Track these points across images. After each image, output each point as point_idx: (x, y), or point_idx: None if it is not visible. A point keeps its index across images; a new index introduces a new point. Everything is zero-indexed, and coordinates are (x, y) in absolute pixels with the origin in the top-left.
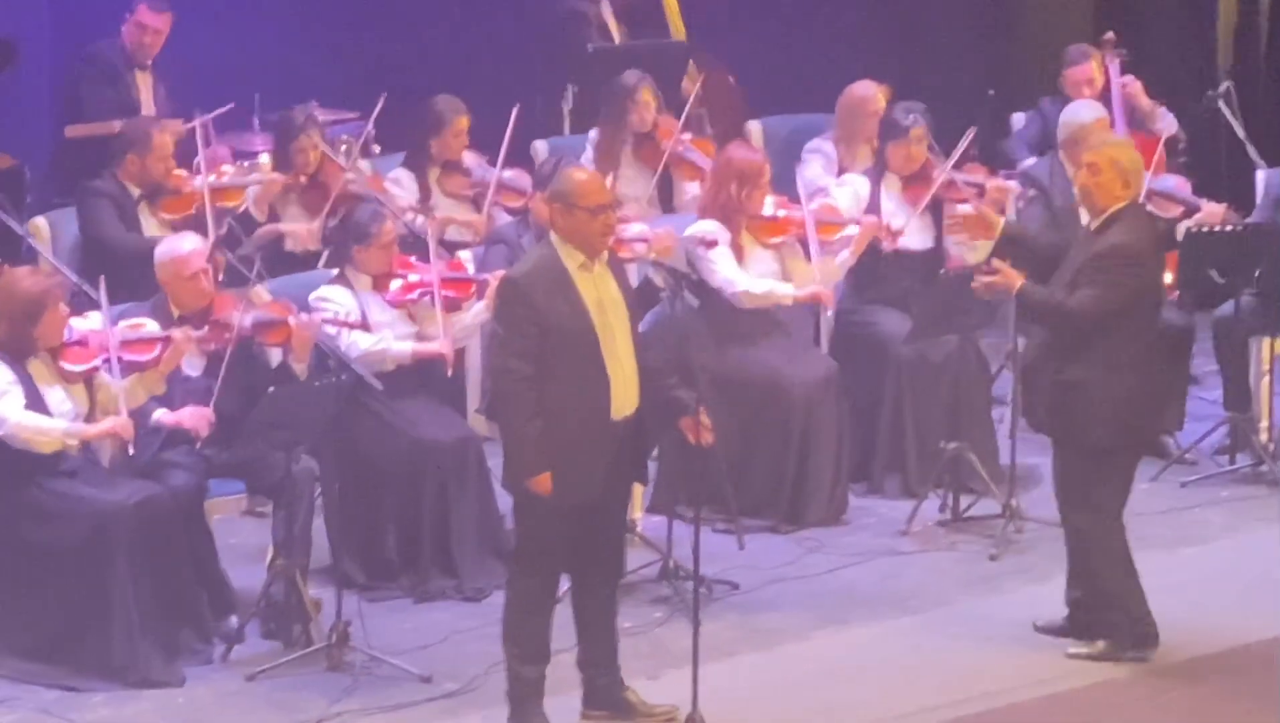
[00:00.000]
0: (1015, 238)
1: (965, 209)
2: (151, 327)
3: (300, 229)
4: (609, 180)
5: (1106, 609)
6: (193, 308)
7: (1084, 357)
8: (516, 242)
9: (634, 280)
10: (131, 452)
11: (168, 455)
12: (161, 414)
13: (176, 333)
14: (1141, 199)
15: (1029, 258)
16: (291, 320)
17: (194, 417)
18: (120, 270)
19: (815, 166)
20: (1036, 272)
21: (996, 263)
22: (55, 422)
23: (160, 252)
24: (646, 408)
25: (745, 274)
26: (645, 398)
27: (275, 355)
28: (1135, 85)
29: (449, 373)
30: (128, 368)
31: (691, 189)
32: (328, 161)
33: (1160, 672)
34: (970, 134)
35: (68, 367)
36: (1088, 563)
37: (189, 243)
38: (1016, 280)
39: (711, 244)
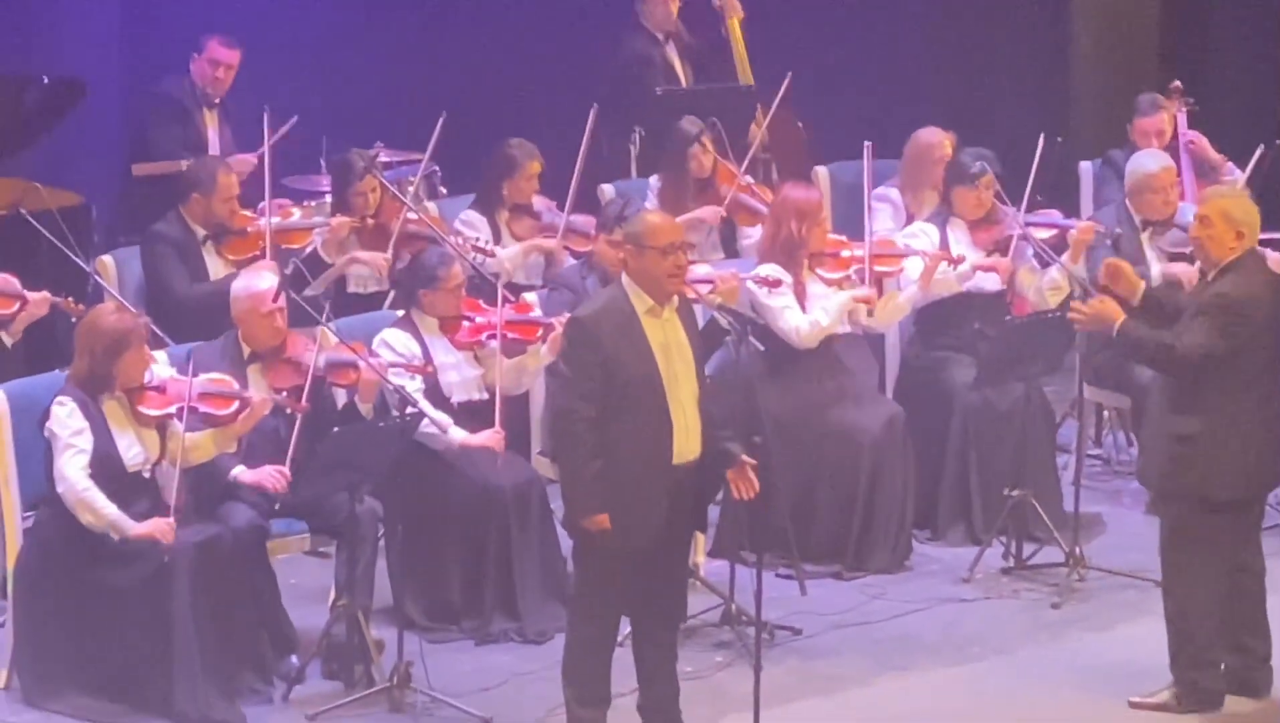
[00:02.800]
0: (1152, 300)
1: (1091, 304)
2: (234, 385)
3: (377, 258)
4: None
5: (1182, 656)
6: (265, 346)
7: (1200, 409)
8: (580, 285)
9: (700, 321)
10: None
11: (231, 496)
12: (240, 472)
13: (256, 396)
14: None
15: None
16: (361, 364)
17: (272, 478)
18: (183, 316)
19: (884, 217)
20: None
21: (1099, 296)
22: (108, 509)
23: (236, 287)
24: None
25: (805, 316)
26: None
27: (340, 395)
28: (1202, 141)
29: (498, 464)
30: (203, 420)
31: (752, 233)
32: (388, 202)
33: (1224, 721)
34: (1032, 178)
35: (144, 411)
36: (1181, 611)
37: (265, 280)
38: (1118, 316)
39: (775, 284)
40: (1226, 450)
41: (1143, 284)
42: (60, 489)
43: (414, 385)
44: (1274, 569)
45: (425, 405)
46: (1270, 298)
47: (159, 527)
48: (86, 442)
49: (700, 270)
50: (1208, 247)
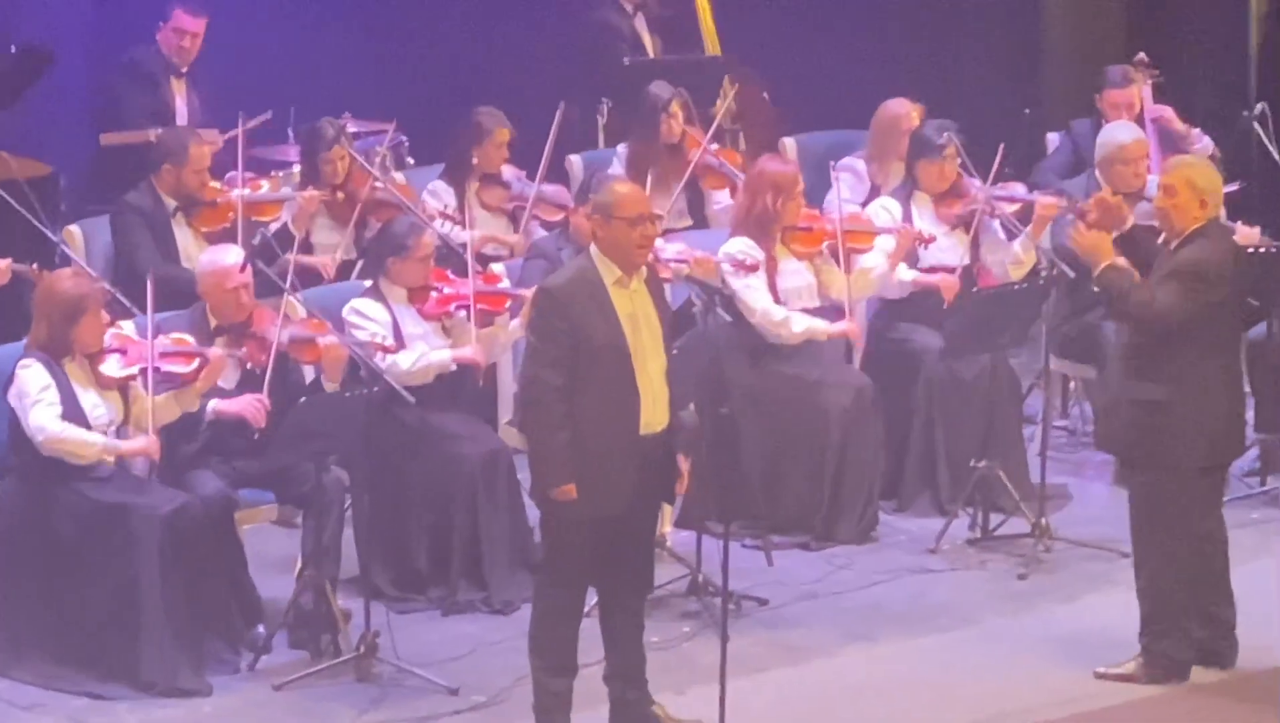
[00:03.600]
0: (1133, 237)
1: (1090, 233)
2: (192, 342)
3: (325, 261)
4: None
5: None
6: (231, 320)
7: (1166, 376)
8: (556, 256)
9: (674, 303)
10: (162, 486)
11: (199, 465)
12: (217, 404)
13: (214, 351)
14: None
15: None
16: (321, 341)
17: (250, 406)
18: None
19: (844, 187)
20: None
21: (1098, 230)
22: (94, 436)
23: (203, 262)
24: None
25: (779, 307)
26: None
27: (308, 371)
28: (1168, 111)
29: (480, 383)
30: (164, 380)
31: (720, 198)
32: (356, 172)
33: (1190, 693)
34: (1000, 152)
35: (105, 373)
36: (1152, 581)
37: (232, 256)
38: (1108, 256)
39: (751, 269)
40: (1193, 417)
41: (1130, 214)
42: (40, 439)
43: (410, 358)
44: (1240, 540)
45: (393, 380)
46: (1234, 266)
47: (150, 443)
48: (55, 396)
49: (675, 249)
50: (1172, 216)
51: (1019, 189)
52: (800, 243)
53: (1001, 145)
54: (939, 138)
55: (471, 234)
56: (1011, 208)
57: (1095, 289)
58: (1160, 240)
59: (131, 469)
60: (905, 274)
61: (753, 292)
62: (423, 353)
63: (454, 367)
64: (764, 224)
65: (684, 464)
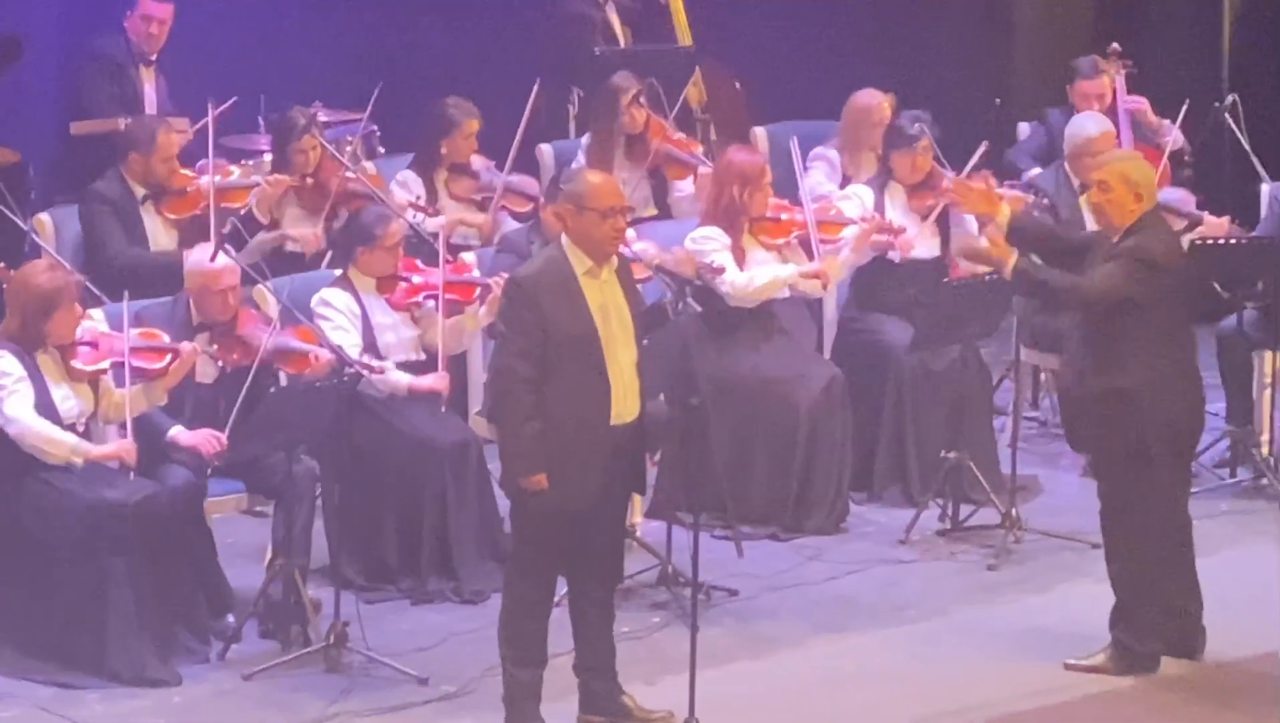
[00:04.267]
0: (1021, 225)
1: (979, 246)
2: (164, 337)
3: (306, 234)
4: None
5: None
6: (216, 320)
7: (1127, 366)
8: (525, 250)
9: (650, 299)
10: (132, 477)
11: (168, 455)
12: (177, 432)
13: (186, 346)
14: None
15: (1050, 253)
16: (313, 357)
17: (207, 441)
18: (117, 275)
19: (818, 174)
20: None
21: (990, 235)
22: (66, 436)
23: (191, 262)
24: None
25: (744, 272)
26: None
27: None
28: (1142, 103)
29: (443, 409)
30: (136, 375)
31: (684, 187)
32: (327, 161)
33: (1159, 685)
34: (983, 147)
35: (76, 366)
36: (1125, 572)
37: (220, 258)
38: (1007, 256)
39: (717, 271)
40: (1157, 403)
41: (1006, 208)
42: (12, 431)
43: (351, 340)
44: (1210, 531)
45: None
46: (1178, 254)
47: (123, 447)
48: (28, 388)
49: (641, 247)
50: (1109, 211)
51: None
52: (768, 234)
53: (984, 144)
54: (912, 129)
55: (440, 221)
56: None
57: (1012, 294)
58: (1095, 235)
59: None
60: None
61: (717, 261)
62: (386, 371)
63: (404, 394)
64: (731, 215)
65: (650, 460)
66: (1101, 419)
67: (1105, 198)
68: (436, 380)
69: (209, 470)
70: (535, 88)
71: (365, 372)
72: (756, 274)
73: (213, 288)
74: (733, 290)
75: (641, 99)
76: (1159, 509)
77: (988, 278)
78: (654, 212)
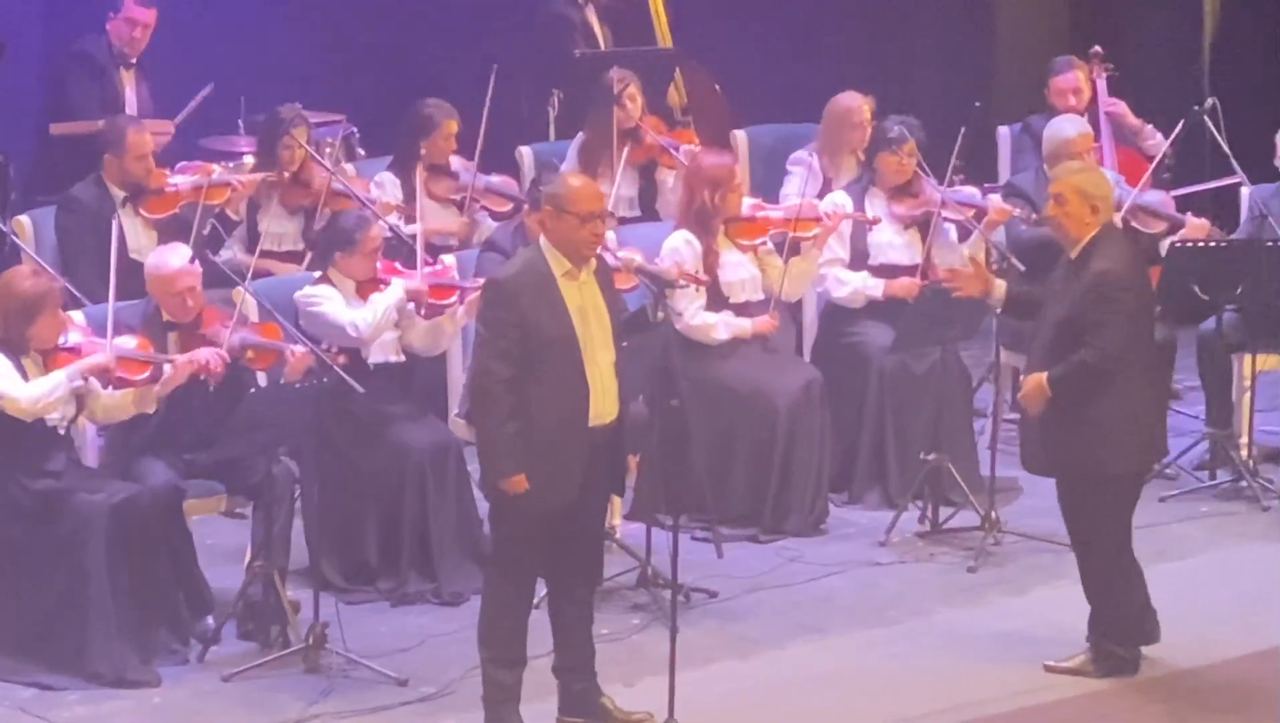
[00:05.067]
0: (1018, 300)
1: (965, 265)
2: (144, 344)
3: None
4: (602, 185)
5: (1098, 623)
6: (181, 320)
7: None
8: (510, 251)
9: (634, 306)
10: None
11: (148, 456)
12: (175, 361)
13: (180, 359)
14: (1119, 218)
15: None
16: (288, 352)
17: (209, 356)
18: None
19: (794, 182)
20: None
21: (1022, 378)
22: (54, 376)
23: (149, 265)
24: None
25: (707, 313)
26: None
27: (262, 377)
28: (1121, 106)
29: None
30: (118, 383)
31: (672, 183)
32: (308, 161)
33: (1138, 686)
34: (955, 155)
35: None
36: (1101, 584)
37: (177, 258)
38: (1042, 381)
39: (702, 281)
40: (1123, 425)
41: (1000, 286)
42: (21, 407)
43: (366, 313)
44: (1190, 533)
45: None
46: (1139, 269)
47: (108, 357)
48: (12, 370)
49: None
50: (1065, 225)
51: (973, 195)
52: (743, 234)
53: (955, 150)
54: (895, 131)
55: (418, 228)
56: (965, 214)
57: (1062, 400)
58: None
59: (81, 459)
60: (872, 287)
61: (683, 295)
62: (373, 299)
63: (406, 301)
64: (703, 219)
65: (632, 461)
66: (1062, 440)
67: (1061, 211)
68: (419, 282)
69: (186, 464)
70: (492, 76)
71: (331, 361)
72: (719, 331)
73: (170, 290)
74: (684, 324)
75: (635, 95)
76: (1122, 521)
77: None
78: (637, 215)
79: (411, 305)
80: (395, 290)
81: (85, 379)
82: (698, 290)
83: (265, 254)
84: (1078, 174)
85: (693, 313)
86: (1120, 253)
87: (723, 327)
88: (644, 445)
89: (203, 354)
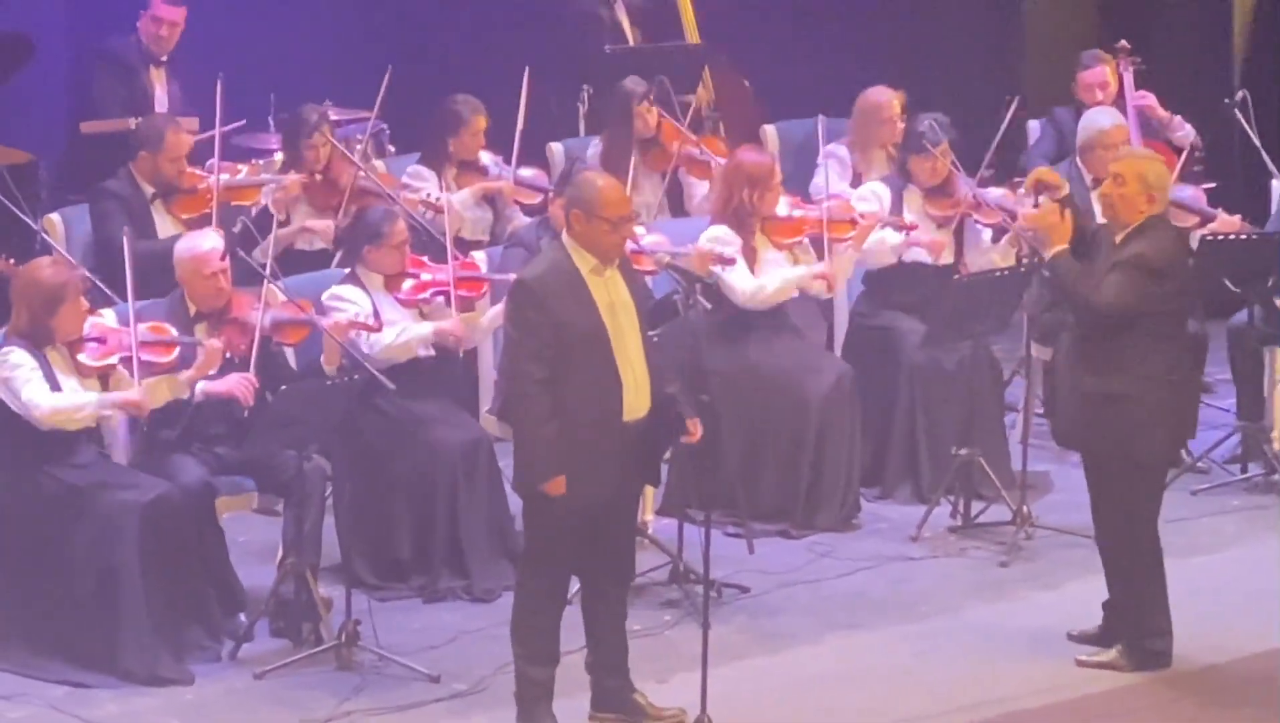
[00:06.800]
0: (1084, 235)
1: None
2: (172, 331)
3: (325, 225)
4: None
5: (1128, 618)
6: (210, 307)
7: (1122, 369)
8: (535, 244)
9: (658, 293)
10: (145, 427)
11: (179, 453)
12: (205, 385)
13: (212, 342)
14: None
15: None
16: (322, 322)
17: (240, 384)
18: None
19: (831, 174)
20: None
21: (1054, 208)
22: (84, 396)
23: (180, 249)
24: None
25: (756, 279)
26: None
27: (292, 355)
28: (1150, 98)
29: (460, 355)
30: (144, 369)
31: (701, 188)
32: (337, 159)
33: (1170, 681)
34: (988, 158)
35: (84, 361)
36: (1122, 571)
37: (209, 241)
38: (1061, 241)
39: (729, 262)
40: (1146, 411)
41: (1069, 223)
42: (37, 415)
43: (392, 335)
44: (1221, 527)
45: (374, 368)
46: (1182, 261)
47: (140, 393)
48: (41, 376)
49: (652, 240)
50: (1118, 205)
51: (1002, 194)
52: (780, 233)
53: (990, 153)
54: (930, 133)
55: (460, 195)
56: (998, 217)
57: (1045, 273)
58: (1102, 229)
59: (112, 456)
60: (892, 237)
61: (734, 277)
62: (404, 328)
63: (434, 340)
64: (741, 217)
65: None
66: (1094, 421)
67: (1118, 191)
68: (454, 324)
69: (218, 460)
70: (525, 77)
71: (365, 330)
72: (767, 280)
73: (203, 272)
74: (744, 297)
75: (651, 100)
76: (1152, 511)
77: (999, 274)
78: (668, 218)
79: (441, 299)
80: (424, 328)
81: (113, 411)
82: (730, 269)
83: (297, 254)
84: (1143, 160)
85: (745, 288)
86: (1162, 244)
87: (773, 280)
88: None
89: (234, 386)
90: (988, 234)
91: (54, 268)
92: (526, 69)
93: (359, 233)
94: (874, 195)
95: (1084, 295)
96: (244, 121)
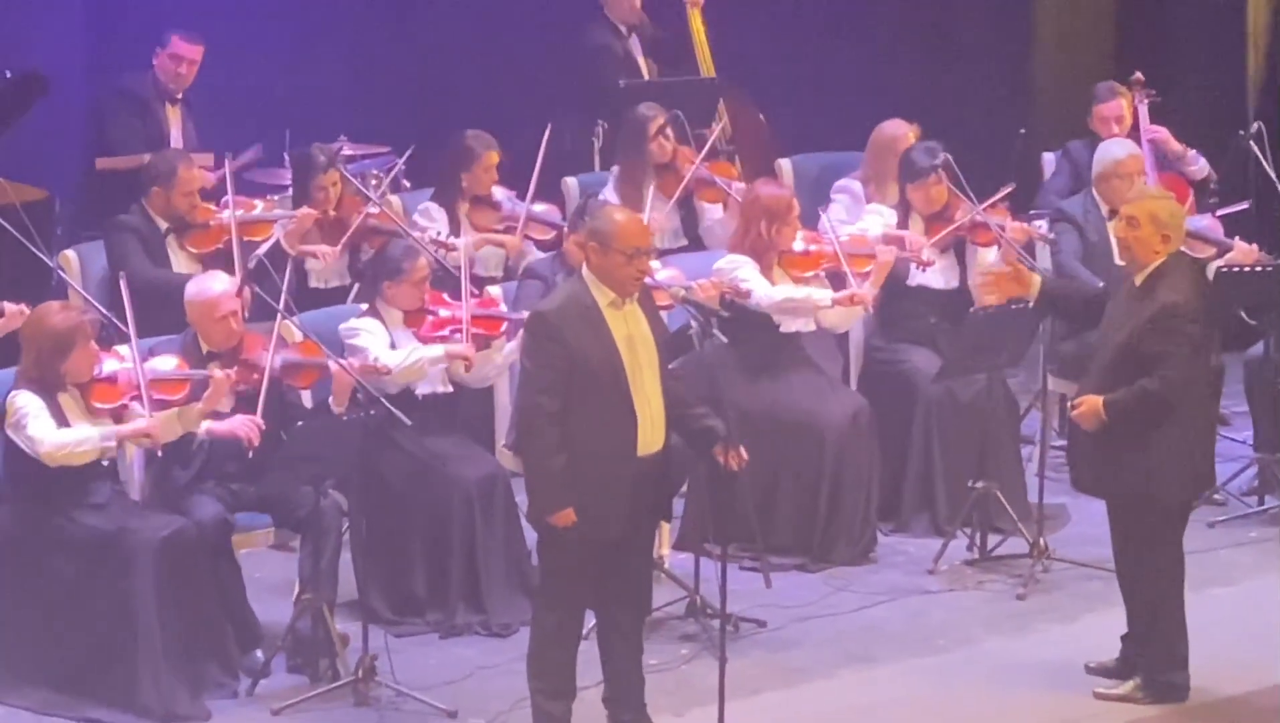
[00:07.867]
0: (1053, 294)
1: (996, 264)
2: (181, 366)
3: (324, 249)
4: (645, 218)
5: (1147, 651)
6: (222, 347)
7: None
8: (550, 279)
9: (673, 326)
10: (160, 453)
11: (195, 489)
12: (209, 424)
13: (218, 373)
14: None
15: (1068, 311)
16: (332, 365)
17: (245, 425)
18: (147, 306)
19: (840, 209)
20: (1079, 318)
21: (1076, 399)
22: (88, 430)
23: (190, 291)
24: (681, 438)
25: (773, 286)
26: (677, 429)
27: (306, 395)
28: (1164, 133)
29: (467, 369)
30: (156, 406)
31: (713, 212)
32: (348, 197)
33: (1188, 713)
34: (1008, 189)
35: (97, 405)
36: (1143, 603)
37: (220, 284)
38: (1098, 404)
39: (744, 296)
40: (1176, 457)
41: (1036, 278)
42: (42, 452)
43: (400, 356)
44: (1238, 559)
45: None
46: (1199, 301)
47: (150, 425)
48: (47, 414)
49: (667, 275)
50: (1134, 248)
51: (1004, 216)
52: (797, 267)
53: (1011, 185)
54: (923, 160)
55: (466, 241)
56: (990, 239)
57: (1118, 426)
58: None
59: (128, 492)
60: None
61: (751, 282)
62: (413, 349)
63: (445, 361)
64: (759, 251)
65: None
66: (1120, 465)
67: (1133, 235)
68: (465, 348)
69: (234, 497)
70: (546, 133)
71: (374, 374)
72: (795, 290)
73: (213, 315)
74: (764, 302)
75: (668, 130)
76: (1172, 548)
77: (1014, 306)
78: (684, 244)
79: (458, 336)
80: (435, 350)
81: (120, 443)
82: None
83: (312, 292)
84: (1154, 200)
85: (765, 295)
86: (1188, 284)
87: (790, 289)
88: (691, 473)
89: (239, 427)
90: (993, 253)
91: (64, 313)
92: (549, 126)
93: (379, 267)
94: (878, 214)
95: (1155, 394)
96: (260, 150)
